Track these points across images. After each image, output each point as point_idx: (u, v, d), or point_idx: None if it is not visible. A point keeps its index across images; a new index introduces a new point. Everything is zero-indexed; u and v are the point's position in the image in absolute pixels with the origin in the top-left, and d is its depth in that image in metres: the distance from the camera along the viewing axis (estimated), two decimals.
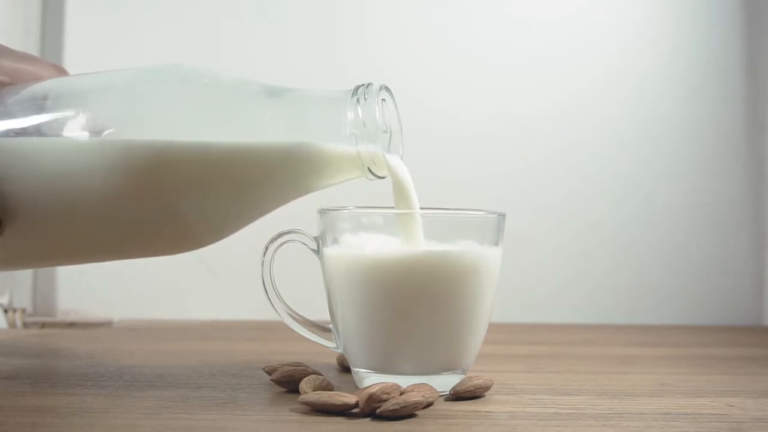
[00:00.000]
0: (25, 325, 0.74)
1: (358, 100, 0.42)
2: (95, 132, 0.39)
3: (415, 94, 0.82)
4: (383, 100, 0.43)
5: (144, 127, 0.39)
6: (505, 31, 0.83)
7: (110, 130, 0.38)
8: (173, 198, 0.40)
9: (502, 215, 0.45)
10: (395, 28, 0.83)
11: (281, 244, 0.46)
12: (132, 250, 0.44)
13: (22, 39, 0.78)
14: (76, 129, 0.39)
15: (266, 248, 0.46)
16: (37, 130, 0.39)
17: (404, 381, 0.42)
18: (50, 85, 0.41)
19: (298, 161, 0.42)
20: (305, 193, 0.44)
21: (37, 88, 0.41)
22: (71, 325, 0.74)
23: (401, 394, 0.40)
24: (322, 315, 0.47)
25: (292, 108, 0.42)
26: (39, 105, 0.40)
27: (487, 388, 0.44)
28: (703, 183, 0.83)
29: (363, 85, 0.42)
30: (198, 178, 0.40)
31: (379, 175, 0.43)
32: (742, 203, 0.83)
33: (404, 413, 0.39)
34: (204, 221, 0.41)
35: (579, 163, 0.83)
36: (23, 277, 0.78)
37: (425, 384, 0.42)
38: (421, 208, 0.45)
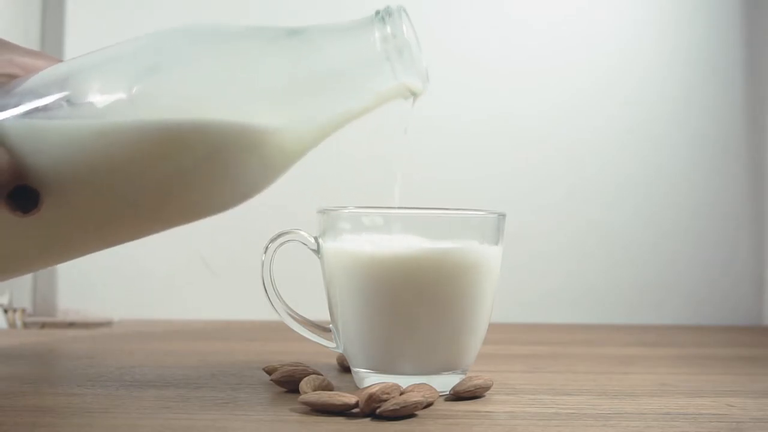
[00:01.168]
0: (25, 325, 0.74)
1: (382, 18, 0.42)
2: (120, 102, 0.38)
3: None
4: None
5: (172, 102, 0.38)
6: (505, 31, 0.83)
7: (136, 101, 0.38)
8: (209, 166, 0.40)
9: (502, 215, 0.45)
10: None
11: (281, 244, 0.46)
12: (169, 216, 0.43)
13: (23, 39, 0.78)
14: (101, 101, 0.38)
15: (266, 248, 0.46)
16: (65, 102, 0.39)
17: (404, 381, 0.42)
18: (69, 64, 0.41)
19: (339, 120, 0.42)
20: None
21: (55, 69, 0.41)
22: (71, 325, 0.74)
23: (401, 394, 0.40)
24: (322, 315, 0.47)
25: (318, 45, 0.41)
26: (62, 81, 0.40)
27: (487, 388, 0.44)
28: (702, 183, 0.83)
29: (380, 9, 0.42)
30: (233, 154, 0.40)
31: (417, 90, 0.43)
32: (742, 203, 0.83)
33: (404, 413, 0.39)
34: (246, 181, 0.41)
35: (579, 163, 0.83)
36: (23, 277, 0.78)
37: (425, 384, 0.42)
38: (421, 209, 0.45)
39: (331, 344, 0.47)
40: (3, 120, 0.38)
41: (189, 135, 0.38)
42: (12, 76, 0.41)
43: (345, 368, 0.50)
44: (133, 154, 0.38)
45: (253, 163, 0.41)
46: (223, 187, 0.41)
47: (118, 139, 0.38)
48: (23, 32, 0.78)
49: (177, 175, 0.40)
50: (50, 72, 0.41)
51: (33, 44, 0.79)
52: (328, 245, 0.45)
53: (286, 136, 0.41)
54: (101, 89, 0.39)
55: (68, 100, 0.39)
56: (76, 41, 0.80)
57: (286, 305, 0.47)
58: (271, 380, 0.45)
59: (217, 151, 0.39)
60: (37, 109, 0.38)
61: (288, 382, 0.44)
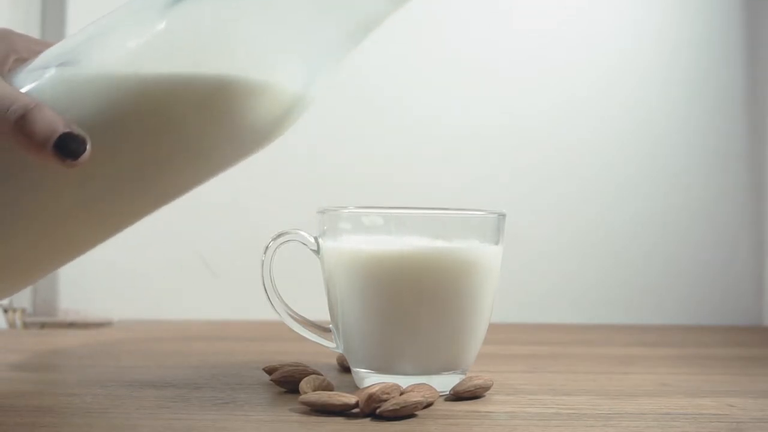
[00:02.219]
0: (25, 325, 0.74)
1: None
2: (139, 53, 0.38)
3: (415, 95, 0.82)
4: None
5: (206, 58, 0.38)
6: (505, 31, 0.83)
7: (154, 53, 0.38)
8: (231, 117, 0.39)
9: (502, 215, 0.45)
10: (396, 29, 0.82)
11: (281, 244, 0.46)
12: (199, 162, 0.42)
13: None
14: (123, 52, 0.38)
15: (266, 248, 0.46)
16: (86, 57, 0.38)
17: (404, 381, 0.42)
18: (81, 33, 0.41)
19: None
20: None
21: (66, 41, 0.41)
22: (71, 325, 0.74)
23: (401, 394, 0.40)
24: (322, 315, 0.47)
25: None
26: (82, 43, 0.39)
27: (487, 388, 0.44)
28: (703, 183, 0.83)
29: None
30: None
31: None
32: (742, 203, 0.83)
33: (404, 413, 0.39)
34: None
35: (579, 163, 0.83)
36: None
37: (425, 384, 0.42)
38: (421, 209, 0.45)
39: (331, 344, 0.47)
40: (33, 87, 0.38)
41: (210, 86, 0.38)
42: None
43: (345, 368, 0.50)
44: (153, 106, 0.38)
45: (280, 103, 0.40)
46: (265, 126, 0.41)
47: (138, 90, 0.38)
48: (23, 32, 0.78)
49: (205, 123, 0.39)
50: (63, 43, 0.40)
51: None
52: (328, 245, 0.45)
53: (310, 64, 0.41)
54: (118, 44, 0.38)
55: (89, 57, 0.38)
56: None
57: (286, 305, 0.47)
58: (271, 380, 0.45)
59: (231, 100, 0.39)
60: (63, 66, 0.38)
61: (288, 382, 0.44)
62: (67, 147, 0.36)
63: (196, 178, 0.42)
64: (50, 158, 0.35)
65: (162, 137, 0.39)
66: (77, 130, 0.36)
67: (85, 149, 0.36)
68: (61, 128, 0.35)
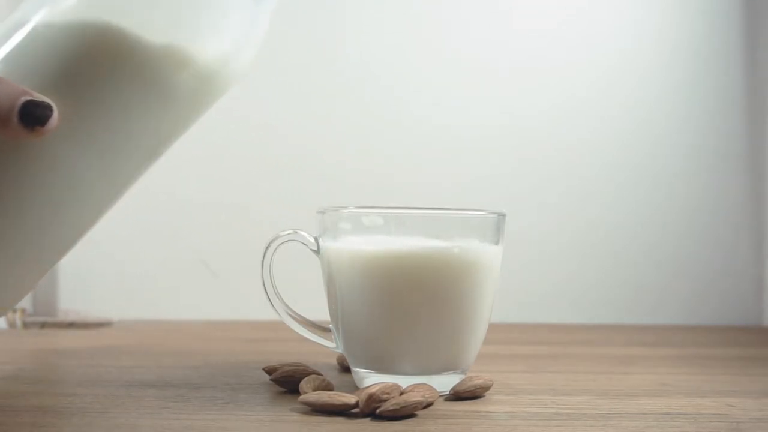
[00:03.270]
0: (25, 325, 0.74)
1: None
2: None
3: (416, 95, 0.82)
4: None
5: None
6: (505, 31, 0.83)
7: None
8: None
9: (502, 215, 0.45)
10: (396, 29, 0.83)
11: (281, 244, 0.46)
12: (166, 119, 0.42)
13: None
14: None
15: (266, 248, 0.46)
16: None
17: (404, 381, 0.42)
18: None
19: None
20: None
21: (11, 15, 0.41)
22: (71, 325, 0.74)
23: (401, 394, 0.40)
24: (322, 315, 0.47)
25: None
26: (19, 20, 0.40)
27: (487, 388, 0.44)
28: (703, 183, 0.83)
29: None
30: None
31: None
32: (742, 203, 0.83)
33: (404, 413, 0.39)
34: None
35: (579, 163, 0.83)
36: None
37: (425, 384, 0.42)
38: (421, 208, 0.45)
39: (331, 344, 0.47)
40: None
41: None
42: None
43: (345, 368, 0.50)
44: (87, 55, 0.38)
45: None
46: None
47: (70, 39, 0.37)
48: None
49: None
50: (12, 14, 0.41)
51: None
52: (328, 245, 0.45)
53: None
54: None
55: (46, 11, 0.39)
56: None
57: (286, 305, 0.47)
58: (271, 380, 0.45)
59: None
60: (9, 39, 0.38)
61: (288, 382, 0.44)
62: (33, 114, 0.35)
63: (174, 129, 0.42)
64: (17, 130, 0.35)
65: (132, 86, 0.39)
66: (39, 96, 0.35)
67: (51, 113, 0.35)
68: (23, 97, 0.35)
